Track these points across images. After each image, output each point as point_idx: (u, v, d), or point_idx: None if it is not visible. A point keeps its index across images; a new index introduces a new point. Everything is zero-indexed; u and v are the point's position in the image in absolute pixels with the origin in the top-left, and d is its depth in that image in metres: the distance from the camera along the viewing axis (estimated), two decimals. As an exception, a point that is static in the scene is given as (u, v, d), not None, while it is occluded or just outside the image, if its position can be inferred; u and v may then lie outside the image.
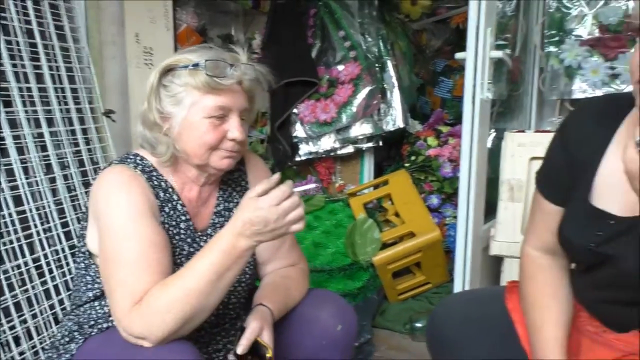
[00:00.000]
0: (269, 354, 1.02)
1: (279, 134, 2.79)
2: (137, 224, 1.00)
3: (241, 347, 1.01)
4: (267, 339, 1.05)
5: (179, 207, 1.12)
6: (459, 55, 1.86)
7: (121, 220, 1.00)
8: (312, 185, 1.03)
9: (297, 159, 2.83)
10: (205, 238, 1.15)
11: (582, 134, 0.87)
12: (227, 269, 0.97)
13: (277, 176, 1.00)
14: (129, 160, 1.11)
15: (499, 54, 1.76)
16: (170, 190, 1.12)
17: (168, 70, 1.07)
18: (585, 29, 2.04)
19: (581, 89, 2.03)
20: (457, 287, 1.83)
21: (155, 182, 1.10)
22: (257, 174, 1.27)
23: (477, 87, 1.75)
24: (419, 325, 1.97)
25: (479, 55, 1.74)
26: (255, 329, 1.04)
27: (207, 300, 0.96)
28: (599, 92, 2.01)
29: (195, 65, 1.04)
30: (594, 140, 0.94)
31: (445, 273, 2.24)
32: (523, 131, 1.80)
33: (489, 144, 2.26)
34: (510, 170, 1.73)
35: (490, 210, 1.94)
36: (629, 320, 0.82)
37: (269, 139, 2.88)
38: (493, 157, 2.02)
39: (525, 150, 1.69)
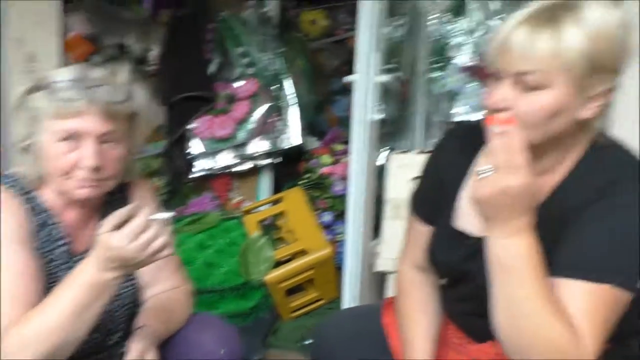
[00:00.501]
0: None
1: (175, 150, 2.71)
2: (6, 252, 0.95)
3: None
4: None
5: (54, 232, 1.07)
6: (348, 78, 1.93)
7: None
8: (166, 215, 1.00)
9: (193, 175, 2.77)
10: None
11: (449, 158, 0.93)
12: (91, 302, 0.93)
13: (126, 209, 0.95)
14: (5, 181, 1.05)
15: (385, 78, 1.84)
16: (45, 213, 1.06)
17: (32, 90, 1.04)
18: (465, 57, 2.19)
19: (461, 113, 2.18)
20: (346, 303, 1.87)
21: (32, 204, 1.05)
22: (141, 202, 1.22)
23: (364, 109, 1.82)
24: (309, 341, 1.98)
25: (366, 78, 1.81)
26: (139, 350, 1.00)
27: (70, 335, 0.92)
28: (477, 116, 2.16)
29: (48, 87, 1.02)
30: (458, 165, 1.01)
31: (337, 289, 2.27)
32: (407, 152, 1.89)
33: (381, 162, 2.35)
34: (394, 190, 1.81)
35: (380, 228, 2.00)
36: (487, 331, 0.88)
37: (165, 154, 2.79)
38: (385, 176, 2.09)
39: (408, 170, 1.77)
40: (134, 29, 2.90)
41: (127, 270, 0.96)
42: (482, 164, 0.78)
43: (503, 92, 0.83)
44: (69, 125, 1.01)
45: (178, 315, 1.20)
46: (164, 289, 1.24)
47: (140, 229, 0.92)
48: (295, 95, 2.82)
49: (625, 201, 0.82)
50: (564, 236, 0.83)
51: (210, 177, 2.84)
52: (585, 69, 0.78)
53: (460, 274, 0.99)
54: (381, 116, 2.06)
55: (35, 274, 0.97)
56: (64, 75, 1.04)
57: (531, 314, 0.76)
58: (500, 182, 0.75)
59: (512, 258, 0.77)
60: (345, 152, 2.62)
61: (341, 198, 2.40)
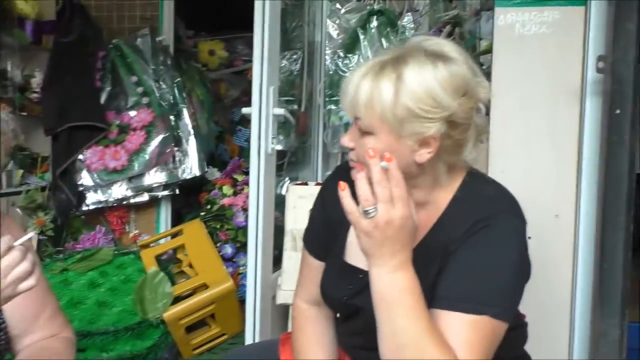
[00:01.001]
0: None
1: (62, 182, 2.55)
2: None
3: None
4: None
5: None
6: (245, 110, 1.94)
7: None
8: (29, 235, 0.93)
9: (85, 208, 2.62)
10: None
11: (335, 195, 0.96)
12: None
13: None
14: None
15: (281, 111, 1.87)
16: None
17: None
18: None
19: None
20: (248, 337, 1.84)
21: None
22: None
23: (261, 141, 1.83)
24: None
25: (262, 111, 1.83)
26: None
27: None
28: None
29: None
30: None
31: (240, 323, 2.24)
32: (306, 183, 1.93)
33: (283, 192, 2.37)
34: (293, 221, 1.83)
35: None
36: None
37: (51, 186, 2.62)
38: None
39: (306, 201, 1.80)
40: (16, 54, 2.72)
41: None
42: (363, 203, 0.81)
43: (350, 133, 0.92)
44: None
45: None
46: (41, 337, 1.14)
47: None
48: (194, 125, 2.78)
49: (499, 234, 0.88)
50: (444, 269, 0.89)
51: (104, 210, 2.70)
52: (396, 120, 0.85)
53: (350, 308, 1.01)
54: (279, 147, 2.09)
55: None
56: None
57: (414, 344, 0.80)
58: (384, 215, 0.79)
59: (396, 291, 0.81)
60: (246, 183, 2.62)
61: (243, 229, 2.39)
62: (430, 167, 0.91)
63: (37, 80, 2.70)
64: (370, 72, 0.87)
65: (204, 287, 2.11)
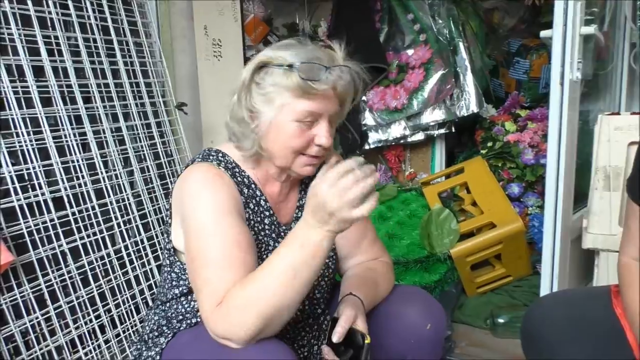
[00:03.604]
0: (367, 340, 0.99)
1: (348, 123, 2.73)
2: (222, 223, 0.97)
3: (337, 335, 0.97)
4: (361, 326, 1.01)
5: (262, 202, 1.09)
6: (544, 33, 1.73)
7: (207, 219, 0.98)
8: (360, 160, 0.93)
9: (366, 147, 2.77)
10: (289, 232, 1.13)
11: None
12: (302, 265, 0.90)
13: (333, 159, 0.98)
14: (211, 157, 1.08)
15: (590, 30, 1.62)
16: (253, 185, 1.09)
17: (261, 67, 1.02)
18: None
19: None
20: (544, 282, 1.72)
21: (239, 179, 1.07)
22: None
23: (565, 67, 1.62)
24: (501, 320, 1.87)
25: (567, 32, 1.60)
26: (350, 316, 1.00)
27: (285, 299, 0.90)
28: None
29: (290, 66, 0.99)
30: None
31: (528, 266, 2.12)
32: (618, 113, 1.66)
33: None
34: (606, 157, 1.59)
35: (577, 199, 1.80)
36: None
37: (338, 127, 2.82)
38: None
39: (623, 134, 1.55)
40: (303, 7, 2.98)
41: (330, 228, 0.90)
42: None
43: None
44: (313, 107, 1.00)
45: (382, 286, 1.18)
46: (364, 259, 1.23)
47: (339, 175, 0.87)
48: (470, 60, 2.65)
49: None
50: None
51: (382, 149, 2.83)
52: None
53: None
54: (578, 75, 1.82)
55: (249, 242, 0.98)
56: (298, 55, 1.00)
57: None
58: None
59: None
60: (530, 118, 2.41)
61: (531, 168, 2.22)
62: None
63: (322, 29, 2.92)
64: None
65: (491, 226, 2.03)
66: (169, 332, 1.07)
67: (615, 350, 1.01)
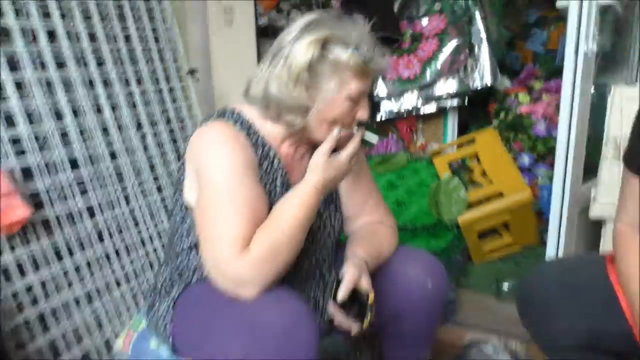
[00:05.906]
0: (371, 299, 1.02)
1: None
2: (239, 180, 1.01)
3: (341, 294, 1.01)
4: (365, 285, 1.05)
5: (275, 162, 1.12)
6: (560, 3, 1.72)
7: (225, 176, 1.01)
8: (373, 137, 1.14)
9: (379, 118, 2.77)
10: None
11: None
12: (307, 219, 1.02)
13: (336, 131, 1.05)
14: (227, 115, 1.11)
15: (608, 0, 1.60)
16: (266, 146, 1.11)
17: (323, 44, 1.04)
18: None
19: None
20: (551, 251, 1.74)
21: (254, 138, 1.10)
22: None
23: (581, 39, 1.61)
24: (506, 286, 1.90)
25: (584, 2, 1.59)
26: (354, 275, 1.04)
27: (294, 251, 0.99)
28: None
29: (355, 47, 1.04)
30: None
31: (535, 236, 2.14)
32: (631, 85, 1.64)
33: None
34: (617, 126, 1.59)
35: (587, 170, 1.81)
36: None
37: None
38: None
39: (635, 105, 1.54)
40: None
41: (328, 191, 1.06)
42: None
43: None
44: (365, 86, 1.06)
45: (385, 246, 1.21)
46: (368, 221, 1.26)
47: (355, 152, 1.05)
48: (486, 31, 2.61)
49: None
50: None
51: (394, 119, 2.82)
52: None
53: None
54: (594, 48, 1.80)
55: (262, 200, 1.02)
56: (360, 36, 1.04)
57: None
58: None
59: None
60: (545, 90, 2.39)
61: (543, 139, 2.21)
62: None
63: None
64: None
65: (500, 195, 2.05)
66: (181, 282, 1.12)
67: (609, 315, 1.03)
